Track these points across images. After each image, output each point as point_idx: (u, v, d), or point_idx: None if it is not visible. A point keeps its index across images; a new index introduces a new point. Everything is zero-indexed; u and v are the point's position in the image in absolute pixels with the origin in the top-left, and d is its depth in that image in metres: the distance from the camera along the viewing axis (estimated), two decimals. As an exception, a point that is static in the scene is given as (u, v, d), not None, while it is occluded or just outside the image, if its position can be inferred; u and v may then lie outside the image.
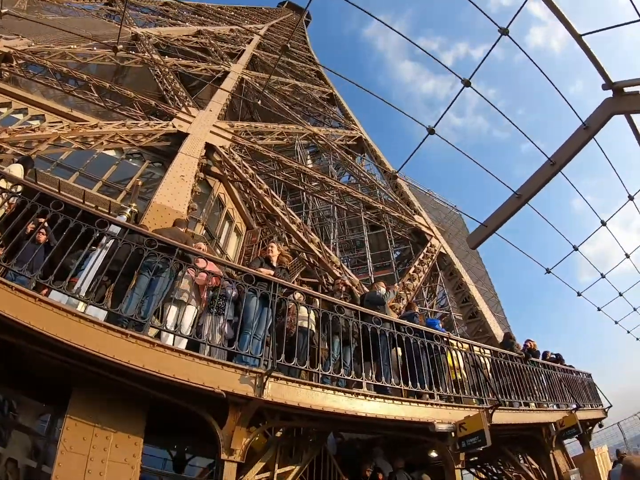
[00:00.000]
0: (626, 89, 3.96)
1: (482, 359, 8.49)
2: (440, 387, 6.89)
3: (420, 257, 16.52)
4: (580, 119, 4.30)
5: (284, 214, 13.73)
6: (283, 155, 17.38)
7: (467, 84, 4.15)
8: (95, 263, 4.95)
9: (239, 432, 4.85)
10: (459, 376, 7.83)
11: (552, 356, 12.56)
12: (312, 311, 5.95)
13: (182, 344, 5.00)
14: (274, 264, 6.42)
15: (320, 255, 13.14)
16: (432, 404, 6.47)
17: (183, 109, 15.02)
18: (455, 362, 7.81)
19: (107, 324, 4.37)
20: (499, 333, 14.54)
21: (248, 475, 5.85)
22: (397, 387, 6.14)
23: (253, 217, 16.14)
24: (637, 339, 9.97)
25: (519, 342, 11.14)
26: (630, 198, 5.34)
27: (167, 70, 18.38)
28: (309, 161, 26.00)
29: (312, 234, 13.99)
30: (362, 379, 5.74)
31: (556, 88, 4.22)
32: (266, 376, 4.73)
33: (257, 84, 22.29)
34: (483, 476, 13.27)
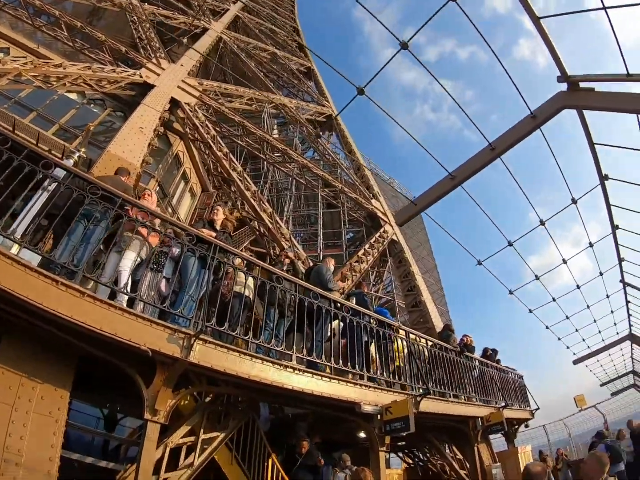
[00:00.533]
0: (582, 84, 3.98)
1: (418, 347, 8.66)
2: (371, 370, 6.99)
3: (372, 240, 16.56)
4: (529, 108, 4.33)
5: (240, 179, 13.47)
6: (249, 121, 16.94)
7: (404, 46, 4.10)
8: (35, 205, 4.70)
9: (164, 392, 4.76)
10: (399, 363, 7.98)
11: (490, 352, 12.95)
12: (250, 279, 5.88)
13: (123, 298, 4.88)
14: (217, 227, 6.31)
15: (271, 226, 13.01)
16: (360, 385, 6.54)
17: (153, 60, 14.35)
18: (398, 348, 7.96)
19: (39, 269, 4.14)
20: (439, 325, 14.85)
21: (173, 438, 5.83)
22: (327, 364, 6.15)
23: (210, 179, 15.73)
24: (567, 348, 10.44)
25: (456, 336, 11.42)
26: (574, 201, 5.50)
27: (144, 17, 17.52)
28: (275, 131, 25.55)
29: (266, 203, 13.79)
30: (292, 352, 5.73)
31: (506, 71, 4.23)
32: (194, 338, 4.63)
33: (235, 46, 21.59)
34: (410, 461, 13.70)
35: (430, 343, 9.16)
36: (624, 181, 5.63)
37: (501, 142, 4.50)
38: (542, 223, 5.86)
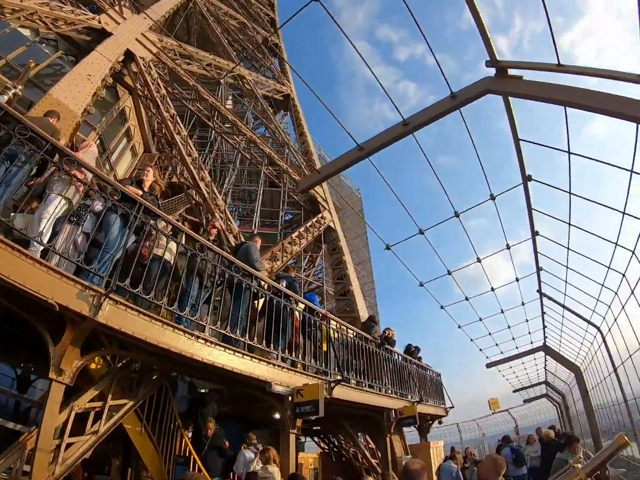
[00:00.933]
0: (511, 72, 4.04)
1: (341, 335, 8.82)
2: (287, 351, 7.04)
3: (308, 224, 16.66)
4: (450, 88, 4.35)
5: (182, 144, 13.15)
6: (204, 87, 16.53)
7: (316, -2, 4.12)
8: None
9: (71, 352, 4.56)
10: (326, 349, 8.11)
11: (413, 349, 13.37)
12: (173, 243, 5.76)
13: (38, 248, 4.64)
14: (145, 189, 6.13)
15: (207, 195, 12.85)
16: (274, 365, 6.57)
17: (116, 8, 13.64)
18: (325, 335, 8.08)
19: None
20: (364, 315, 15.13)
21: (79, 402, 5.62)
22: (241, 339, 6.12)
23: (154, 140, 15.16)
24: (480, 350, 10.84)
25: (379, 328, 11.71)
26: (492, 197, 5.66)
27: (116, -37, 16.66)
28: (230, 102, 24.97)
29: (205, 172, 13.56)
30: (206, 324, 5.67)
31: (432, 52, 4.26)
32: (104, 297, 4.46)
33: (205, 9, 20.85)
34: (325, 446, 13.97)
35: (352, 332, 9.33)
36: (548, 185, 5.69)
37: (415, 119, 4.57)
38: (456, 215, 6.04)
